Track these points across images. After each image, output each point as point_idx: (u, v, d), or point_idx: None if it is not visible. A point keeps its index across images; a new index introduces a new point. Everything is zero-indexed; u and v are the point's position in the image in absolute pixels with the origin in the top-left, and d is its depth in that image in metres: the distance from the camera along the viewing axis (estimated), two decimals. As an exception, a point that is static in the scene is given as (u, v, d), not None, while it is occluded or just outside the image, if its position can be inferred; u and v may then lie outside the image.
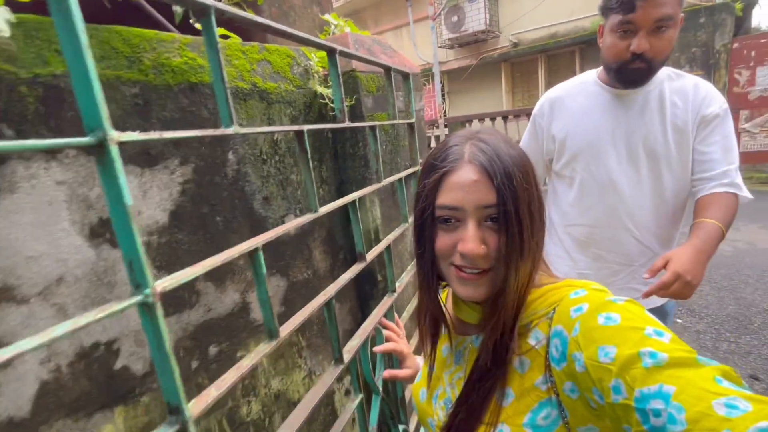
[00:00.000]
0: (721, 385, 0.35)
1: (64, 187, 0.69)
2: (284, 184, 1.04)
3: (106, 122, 0.40)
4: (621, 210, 1.14)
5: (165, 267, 0.83)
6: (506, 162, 0.51)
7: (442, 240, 0.54)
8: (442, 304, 0.62)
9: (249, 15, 0.57)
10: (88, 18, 0.56)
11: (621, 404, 0.39)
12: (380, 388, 0.92)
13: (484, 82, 10.78)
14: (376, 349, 0.86)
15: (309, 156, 0.69)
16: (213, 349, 0.93)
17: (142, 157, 0.78)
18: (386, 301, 1.00)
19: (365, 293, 1.24)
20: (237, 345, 0.97)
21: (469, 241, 0.51)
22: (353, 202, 0.85)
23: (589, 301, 0.48)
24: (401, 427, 1.05)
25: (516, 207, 0.50)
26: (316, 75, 1.09)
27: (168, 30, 0.90)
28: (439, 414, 0.62)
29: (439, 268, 0.57)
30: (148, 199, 0.79)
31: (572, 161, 1.16)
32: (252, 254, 0.58)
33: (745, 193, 1.04)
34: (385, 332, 0.90)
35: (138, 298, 0.42)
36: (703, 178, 1.08)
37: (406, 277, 1.13)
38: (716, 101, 1.06)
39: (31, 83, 0.65)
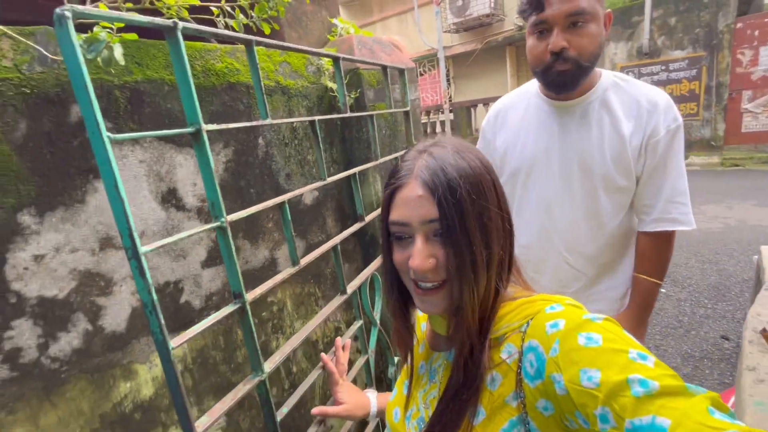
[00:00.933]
0: (715, 417, 0.35)
1: (144, 164, 0.94)
2: (302, 163, 1.27)
3: (201, 119, 0.64)
4: (552, 232, 1.07)
5: (214, 227, 1.07)
6: (450, 175, 0.50)
7: (398, 255, 0.55)
8: (407, 319, 0.63)
9: (280, 43, 0.79)
10: (150, 35, 0.79)
11: None
12: (377, 321, 1.17)
13: (490, 66, 10.83)
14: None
15: (320, 138, 0.94)
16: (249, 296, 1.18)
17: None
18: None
19: (369, 255, 1.48)
20: (268, 293, 1.22)
21: (416, 256, 0.51)
22: (354, 174, 1.08)
23: (566, 318, 0.47)
24: (396, 359, 1.31)
25: (461, 220, 0.49)
26: (326, 72, 1.31)
27: (209, 41, 1.13)
28: None
29: (404, 282, 0.58)
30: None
31: (511, 179, 1.11)
32: (281, 205, 0.84)
33: (686, 226, 0.99)
34: (329, 362, 0.91)
35: (218, 224, 0.67)
36: (646, 205, 1.02)
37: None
38: (668, 117, 0.97)
39: (121, 88, 0.88)
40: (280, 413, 0.82)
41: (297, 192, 0.89)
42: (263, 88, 0.78)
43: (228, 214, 1.12)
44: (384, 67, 1.23)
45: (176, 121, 0.98)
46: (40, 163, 0.80)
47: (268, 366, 0.77)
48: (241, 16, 1.01)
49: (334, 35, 1.50)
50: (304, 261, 0.89)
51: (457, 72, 11.55)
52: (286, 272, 0.85)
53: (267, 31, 1.04)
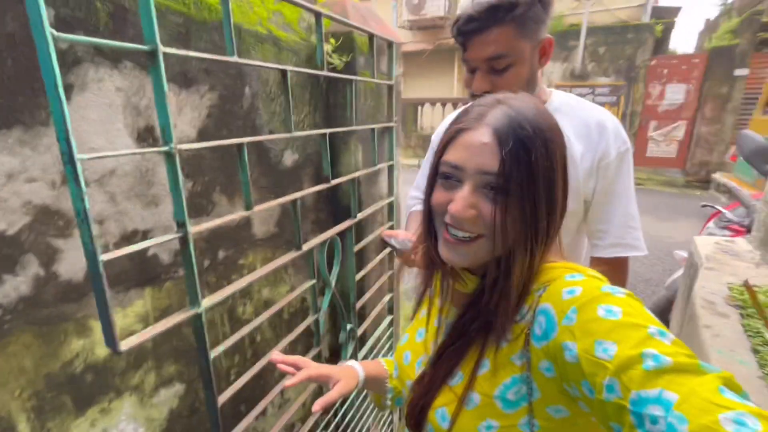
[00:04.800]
0: (726, 396, 0.34)
1: (122, 93, 0.82)
2: (287, 122, 1.21)
3: (158, 38, 0.60)
4: None
5: (191, 175, 0.98)
6: (527, 132, 0.47)
7: (439, 195, 0.53)
8: (434, 264, 0.61)
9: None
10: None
11: (614, 403, 0.38)
12: (332, 284, 1.18)
13: (439, 68, 11.13)
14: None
15: (290, 91, 0.93)
16: (221, 253, 1.10)
17: (180, 77, 0.92)
18: (346, 223, 1.25)
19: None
20: (240, 253, 1.15)
21: (458, 202, 0.50)
22: (325, 135, 1.08)
23: (584, 287, 0.46)
24: (348, 326, 1.32)
25: (529, 183, 0.47)
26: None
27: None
28: None
29: (435, 224, 0.56)
30: (183, 116, 0.94)
31: None
32: (240, 147, 0.83)
33: (639, 251, 0.99)
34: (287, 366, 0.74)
35: (166, 148, 0.65)
36: (600, 230, 1.00)
37: (371, 210, 1.38)
38: (618, 139, 0.95)
39: (103, 0, 0.77)
40: (216, 351, 0.81)
41: (259, 138, 0.88)
42: (232, 22, 0.73)
43: (206, 163, 1.04)
44: (371, 36, 1.22)
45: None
46: (-1, 69, 0.66)
47: (206, 302, 0.77)
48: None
49: (324, -4, 1.44)
50: (258, 208, 0.88)
51: (408, 69, 11.69)
52: (237, 214, 0.84)
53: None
